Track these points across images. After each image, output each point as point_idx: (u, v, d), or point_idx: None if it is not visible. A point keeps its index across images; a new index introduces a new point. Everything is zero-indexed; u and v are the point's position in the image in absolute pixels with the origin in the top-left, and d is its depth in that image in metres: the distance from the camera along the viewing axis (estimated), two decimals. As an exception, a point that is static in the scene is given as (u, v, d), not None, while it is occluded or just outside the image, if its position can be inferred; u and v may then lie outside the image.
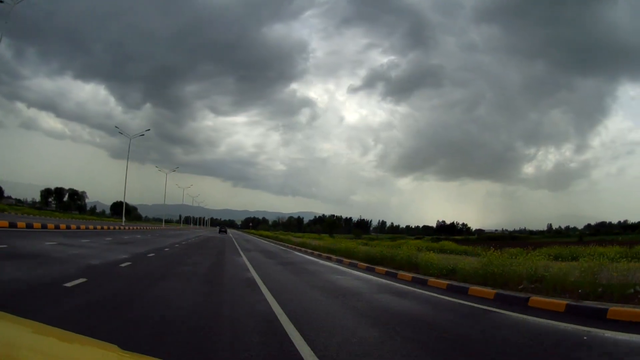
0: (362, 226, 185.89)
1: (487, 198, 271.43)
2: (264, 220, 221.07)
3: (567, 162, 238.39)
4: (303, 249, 27.93)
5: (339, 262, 18.25)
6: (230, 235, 64.52)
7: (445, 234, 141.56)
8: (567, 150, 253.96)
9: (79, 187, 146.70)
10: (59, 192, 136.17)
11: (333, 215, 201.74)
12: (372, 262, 16.38)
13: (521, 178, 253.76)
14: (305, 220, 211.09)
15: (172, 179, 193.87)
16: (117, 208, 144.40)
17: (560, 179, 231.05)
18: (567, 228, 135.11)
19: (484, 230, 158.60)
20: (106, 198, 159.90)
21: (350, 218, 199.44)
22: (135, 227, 48.68)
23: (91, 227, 33.30)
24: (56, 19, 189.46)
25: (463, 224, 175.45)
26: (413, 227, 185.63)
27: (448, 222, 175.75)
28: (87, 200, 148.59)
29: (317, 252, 23.39)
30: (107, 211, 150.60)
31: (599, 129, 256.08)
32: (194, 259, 15.17)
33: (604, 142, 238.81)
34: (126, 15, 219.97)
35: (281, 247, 32.03)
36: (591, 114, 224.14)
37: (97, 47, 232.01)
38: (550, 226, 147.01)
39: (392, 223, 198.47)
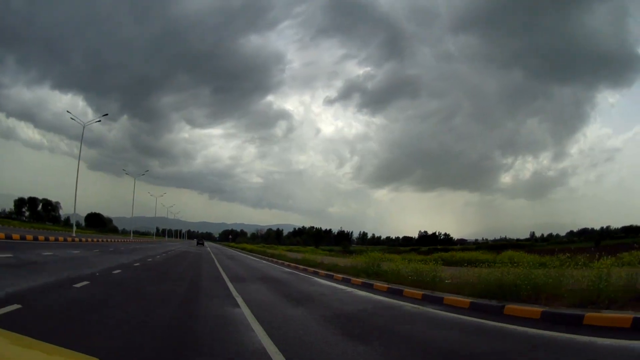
0: (343, 238, 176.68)
1: (464, 208, 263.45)
2: (242, 233, 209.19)
3: (545, 171, 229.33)
4: (321, 271, 18.35)
5: (437, 303, 8.90)
6: (208, 249, 54.29)
7: (427, 244, 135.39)
8: (545, 158, 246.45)
9: (57, 199, 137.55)
10: (33, 202, 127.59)
11: (313, 227, 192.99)
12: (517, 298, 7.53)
13: (498, 187, 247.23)
14: (284, 232, 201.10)
15: (149, 191, 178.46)
16: (92, 219, 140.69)
17: (538, 188, 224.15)
18: (550, 235, 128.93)
19: (466, 240, 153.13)
20: (83, 209, 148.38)
21: (330, 230, 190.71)
22: (88, 240, 38.02)
23: (16, 236, 22.98)
24: (35, 26, 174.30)
25: (445, 234, 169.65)
26: (393, 238, 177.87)
27: (427, 232, 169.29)
28: (61, 211, 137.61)
29: (361, 280, 13.67)
30: (83, 222, 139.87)
31: (577, 137, 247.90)
32: (105, 330, 5.64)
33: (582, 150, 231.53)
34: (103, 24, 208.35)
35: (284, 269, 22.25)
36: (569, 121, 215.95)
37: (75, 56, 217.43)
38: (533, 234, 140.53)
39: (373, 234, 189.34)
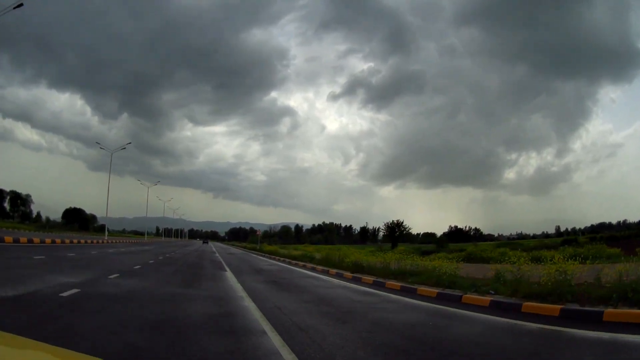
0: (366, 234, 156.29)
1: (469, 204, 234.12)
2: (252, 231, 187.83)
3: (549, 167, 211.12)
4: None
5: None
6: (222, 264, 21.31)
7: (458, 240, 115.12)
8: (549, 154, 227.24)
9: (48, 199, 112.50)
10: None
11: (332, 223, 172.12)
12: None
13: (502, 184, 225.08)
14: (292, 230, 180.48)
15: (153, 191, 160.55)
16: (70, 216, 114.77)
17: (541, 184, 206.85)
18: (574, 230, 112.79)
19: (494, 235, 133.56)
20: (64, 205, 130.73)
21: (350, 226, 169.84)
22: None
23: None
24: (27, 23, 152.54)
25: (476, 229, 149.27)
26: (414, 234, 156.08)
27: (457, 227, 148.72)
28: (32, 206, 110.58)
29: None
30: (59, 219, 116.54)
31: (580, 132, 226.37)
32: None
33: (585, 145, 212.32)
34: (97, 19, 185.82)
35: None
36: (572, 117, 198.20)
37: (69, 54, 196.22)
38: (558, 228, 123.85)
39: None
